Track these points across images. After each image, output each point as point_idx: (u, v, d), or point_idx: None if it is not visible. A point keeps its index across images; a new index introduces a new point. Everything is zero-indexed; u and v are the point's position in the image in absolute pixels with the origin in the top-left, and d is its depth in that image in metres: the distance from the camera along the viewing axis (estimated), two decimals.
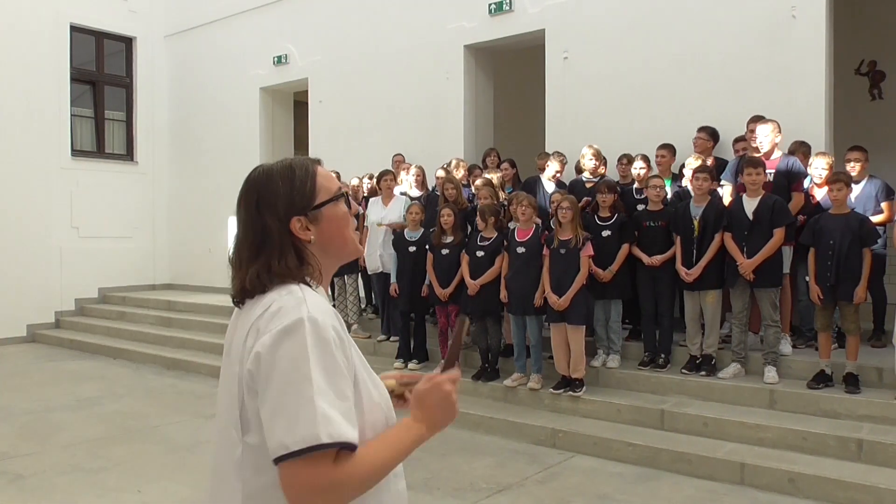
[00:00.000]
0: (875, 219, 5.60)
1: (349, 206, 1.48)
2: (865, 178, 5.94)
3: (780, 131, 5.94)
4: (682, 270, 5.88)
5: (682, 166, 6.56)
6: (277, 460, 1.20)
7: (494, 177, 7.24)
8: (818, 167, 5.89)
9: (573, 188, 6.93)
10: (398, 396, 1.54)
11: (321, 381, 1.22)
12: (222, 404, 1.38)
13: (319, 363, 1.23)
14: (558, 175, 7.20)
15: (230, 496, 1.33)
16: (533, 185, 7.14)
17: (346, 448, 1.21)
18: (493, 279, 6.33)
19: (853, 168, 5.87)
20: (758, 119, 6.17)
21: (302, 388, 1.20)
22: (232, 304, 1.43)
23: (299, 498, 1.21)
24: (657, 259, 5.98)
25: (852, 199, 5.69)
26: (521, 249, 6.16)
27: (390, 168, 8.31)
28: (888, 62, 8.75)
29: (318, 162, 1.47)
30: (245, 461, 1.30)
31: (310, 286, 1.37)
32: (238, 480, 1.31)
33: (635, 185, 6.70)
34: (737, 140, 6.55)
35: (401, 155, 8.89)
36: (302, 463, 1.18)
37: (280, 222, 1.37)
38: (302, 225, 1.38)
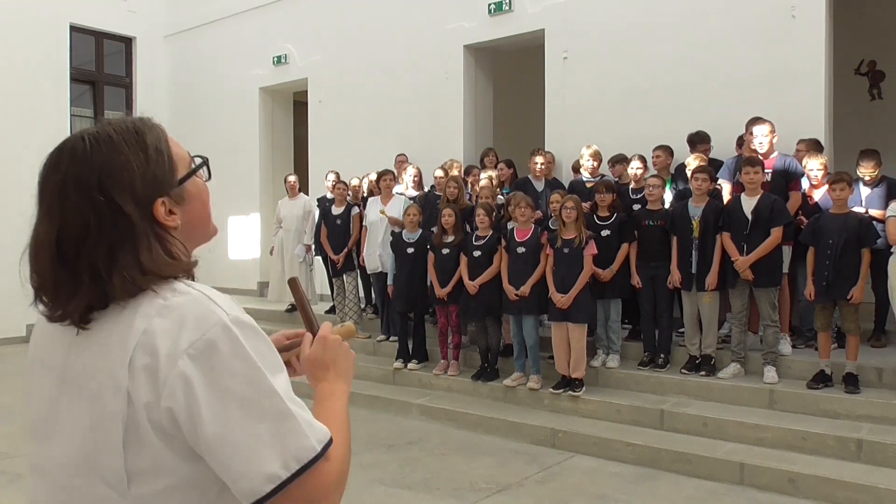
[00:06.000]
0: (873, 212, 5.59)
1: (209, 175, 1.18)
2: (880, 181, 5.89)
3: (775, 131, 5.95)
4: (675, 274, 5.88)
5: (684, 166, 6.54)
6: (264, 498, 0.98)
7: (492, 175, 7.26)
8: (812, 168, 5.90)
9: (573, 188, 6.93)
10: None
11: (281, 386, 1.02)
12: (68, 453, 1.05)
13: (269, 367, 1.02)
14: (542, 168, 7.17)
15: None
16: (524, 186, 7.14)
17: (329, 446, 1.05)
18: (492, 278, 6.33)
19: (865, 175, 5.80)
20: (756, 120, 6.17)
21: (270, 403, 1.00)
22: None
23: None
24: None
25: (864, 201, 5.68)
26: (521, 249, 6.17)
27: (391, 168, 8.32)
28: (888, 62, 8.75)
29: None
30: None
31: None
32: None
33: (631, 185, 6.71)
34: (741, 139, 6.55)
35: (404, 155, 8.88)
36: (302, 482, 1.00)
37: (139, 207, 1.05)
38: (166, 208, 1.08)
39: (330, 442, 1.04)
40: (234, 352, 0.99)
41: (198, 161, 1.16)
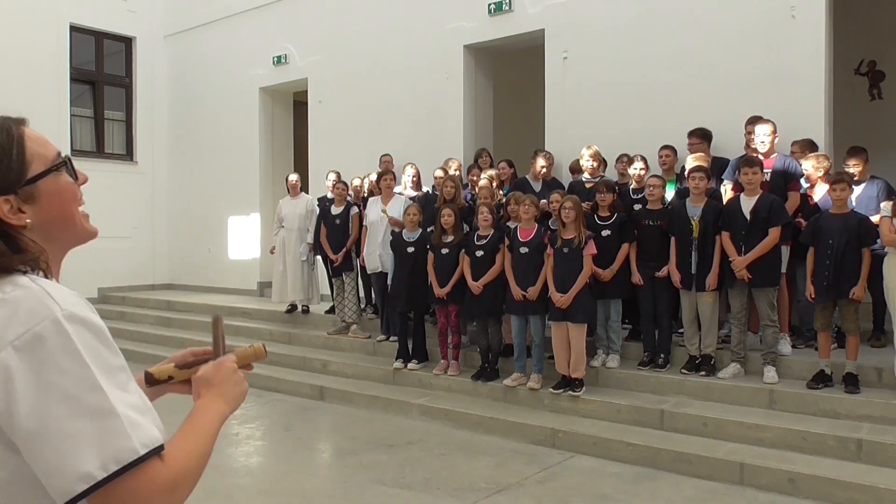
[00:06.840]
0: (874, 218, 5.60)
1: (75, 176, 1.17)
2: (867, 180, 5.93)
3: (776, 132, 5.95)
4: (675, 275, 5.89)
5: (683, 168, 6.55)
6: (77, 497, 0.95)
7: (493, 174, 7.26)
8: (810, 168, 5.90)
9: (573, 189, 6.93)
10: (181, 383, 1.35)
11: (112, 385, 1.00)
12: None
13: (101, 365, 1.00)
14: (544, 170, 7.19)
15: None
16: (522, 186, 7.14)
17: (157, 452, 1.01)
18: (493, 278, 6.33)
19: (853, 172, 5.85)
20: (756, 120, 6.18)
21: (94, 400, 0.97)
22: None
23: None
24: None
25: (853, 201, 5.68)
26: (524, 249, 6.17)
27: (380, 168, 8.33)
28: (888, 62, 8.75)
29: (23, 122, 1.17)
30: None
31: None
32: None
33: (632, 185, 6.70)
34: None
35: (389, 155, 8.86)
36: (121, 485, 0.97)
37: None
38: (11, 207, 1.08)
39: (158, 448, 1.01)
40: (61, 346, 0.97)
41: (59, 160, 1.15)
